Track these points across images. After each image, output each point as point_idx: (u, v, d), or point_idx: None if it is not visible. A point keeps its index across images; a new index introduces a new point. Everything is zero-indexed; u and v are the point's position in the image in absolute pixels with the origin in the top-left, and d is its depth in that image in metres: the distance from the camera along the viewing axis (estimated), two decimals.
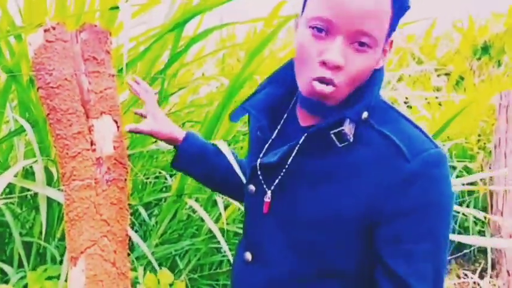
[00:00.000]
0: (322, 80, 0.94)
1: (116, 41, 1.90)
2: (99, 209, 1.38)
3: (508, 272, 3.43)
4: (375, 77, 1.01)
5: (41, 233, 1.47)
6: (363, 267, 1.01)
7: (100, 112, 1.43)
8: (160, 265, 1.67)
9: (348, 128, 0.96)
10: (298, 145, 1.03)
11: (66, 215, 1.39)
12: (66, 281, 1.35)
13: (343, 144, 0.98)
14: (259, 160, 1.13)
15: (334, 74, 0.93)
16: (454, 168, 4.24)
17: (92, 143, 1.41)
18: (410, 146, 0.96)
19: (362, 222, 0.98)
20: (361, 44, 0.92)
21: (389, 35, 0.98)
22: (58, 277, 1.44)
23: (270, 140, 1.14)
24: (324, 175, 1.01)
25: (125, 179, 1.44)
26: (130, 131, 1.50)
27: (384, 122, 1.00)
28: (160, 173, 2.03)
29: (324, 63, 0.93)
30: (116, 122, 1.46)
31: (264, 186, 1.12)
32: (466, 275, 3.65)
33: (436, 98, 5.04)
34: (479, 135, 4.39)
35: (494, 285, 3.47)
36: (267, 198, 1.10)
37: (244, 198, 1.23)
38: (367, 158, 0.98)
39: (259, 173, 1.12)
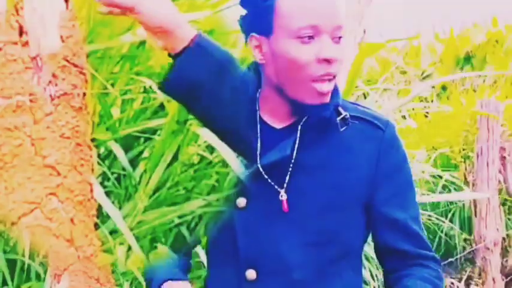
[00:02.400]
0: (323, 78, 1.04)
1: None
2: (40, 148, 0.81)
3: (493, 279, 3.57)
4: None
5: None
6: (363, 243, 1.19)
7: None
8: (154, 242, 1.07)
9: (347, 114, 1.10)
10: (298, 139, 1.09)
11: None
12: None
13: (343, 129, 1.10)
14: (259, 163, 1.11)
15: (333, 68, 1.04)
16: (440, 177, 4.47)
17: (21, 31, 0.82)
18: (377, 119, 1.14)
19: (365, 197, 1.12)
20: (339, 37, 1.06)
21: None
22: None
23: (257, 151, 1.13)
24: (325, 164, 1.11)
25: (84, 94, 0.84)
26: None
27: (347, 108, 1.13)
28: (146, 87, 1.10)
29: (324, 61, 1.03)
30: None
31: (276, 186, 1.11)
32: (452, 283, 3.81)
33: (424, 108, 5.38)
34: (466, 144, 4.56)
35: None
36: (283, 196, 1.10)
37: (234, 215, 1.13)
38: (352, 138, 1.12)
39: (265, 176, 1.11)
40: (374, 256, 1.46)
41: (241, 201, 1.12)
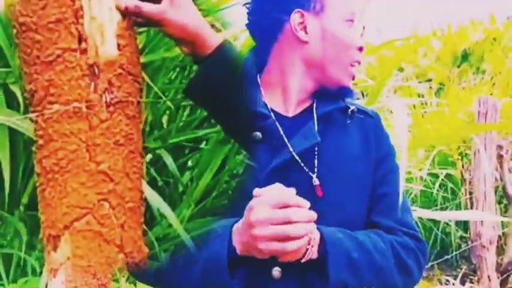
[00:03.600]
0: (354, 64, 1.12)
1: None
2: (94, 154, 0.81)
3: (489, 277, 3.54)
4: None
5: (21, 244, 0.99)
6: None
7: None
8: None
9: (355, 108, 1.15)
10: (316, 126, 1.11)
11: (38, 164, 0.81)
12: None
13: (349, 121, 1.15)
14: (291, 150, 1.08)
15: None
16: (436, 176, 4.46)
17: (80, 39, 0.82)
18: (365, 108, 1.20)
19: (370, 178, 1.15)
20: (351, 20, 1.11)
21: None
22: None
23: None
24: (341, 152, 1.12)
25: (138, 103, 0.85)
26: (128, 10, 0.85)
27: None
28: None
29: (359, 49, 1.12)
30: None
31: (308, 172, 1.09)
32: (447, 280, 3.79)
33: (422, 104, 5.35)
34: (464, 142, 4.52)
35: None
36: (315, 181, 1.08)
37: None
38: (356, 128, 1.16)
39: (301, 163, 1.08)
40: None
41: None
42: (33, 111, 0.82)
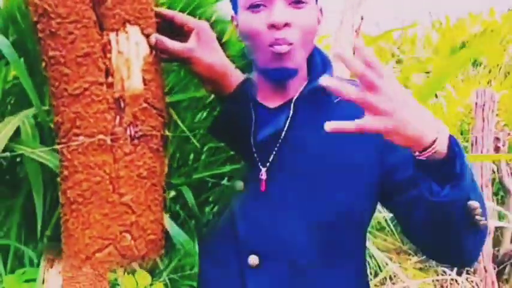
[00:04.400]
0: (278, 43, 0.99)
1: None
2: (118, 186, 0.83)
3: (485, 268, 3.52)
4: (316, 47, 1.11)
5: (19, 235, 1.00)
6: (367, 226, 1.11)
7: (122, 21, 0.85)
8: None
9: None
10: (290, 117, 1.04)
11: (63, 195, 0.83)
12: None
13: (336, 100, 1.03)
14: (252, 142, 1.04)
15: (285, 33, 0.98)
16: None
17: (107, 73, 0.85)
18: None
19: (373, 167, 1.03)
20: (297, 1, 0.99)
21: None
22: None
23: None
24: (322, 141, 1.02)
25: (162, 137, 0.87)
26: (159, 46, 0.87)
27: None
28: None
29: (272, 26, 0.98)
30: (148, 37, 0.87)
31: (260, 165, 1.03)
32: (444, 271, 3.78)
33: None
34: (461, 134, 4.50)
35: (472, 281, 3.59)
36: (262, 175, 1.02)
37: (234, 199, 1.06)
38: (349, 110, 0.96)
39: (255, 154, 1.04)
40: None
41: (239, 184, 1.06)
42: (59, 143, 0.84)
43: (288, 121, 1.03)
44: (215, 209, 1.01)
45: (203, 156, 1.04)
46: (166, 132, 0.88)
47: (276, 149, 1.03)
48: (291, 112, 1.03)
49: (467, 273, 3.71)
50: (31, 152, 0.93)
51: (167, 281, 1.49)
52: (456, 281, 3.64)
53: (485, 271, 3.52)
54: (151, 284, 1.55)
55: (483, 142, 3.67)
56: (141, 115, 0.85)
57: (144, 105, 0.85)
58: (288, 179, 1.03)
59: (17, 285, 1.02)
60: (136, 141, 0.84)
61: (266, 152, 1.03)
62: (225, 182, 1.03)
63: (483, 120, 3.67)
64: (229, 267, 1.04)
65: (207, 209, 1.01)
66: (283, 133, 1.03)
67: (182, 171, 1.00)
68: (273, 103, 1.07)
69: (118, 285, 1.08)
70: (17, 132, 0.99)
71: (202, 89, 1.05)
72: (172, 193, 1.01)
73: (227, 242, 1.04)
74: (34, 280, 1.01)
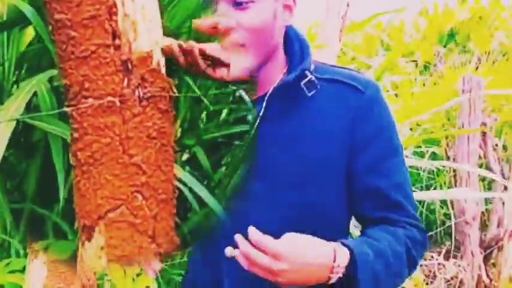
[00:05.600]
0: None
1: None
2: (128, 147, 0.83)
3: (472, 253, 3.59)
4: (295, 34, 1.12)
5: (4, 227, 1.01)
6: (349, 216, 1.14)
7: None
8: None
9: (312, 77, 1.07)
10: (263, 109, 1.05)
11: (74, 157, 0.83)
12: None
13: (311, 93, 1.06)
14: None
15: (232, 36, 0.99)
16: (422, 155, 4.47)
17: (114, 35, 0.85)
18: (356, 80, 1.09)
19: (344, 167, 1.07)
20: (238, 3, 1.00)
21: None
22: (22, 271, 1.01)
23: None
24: (297, 134, 1.06)
25: (170, 97, 0.87)
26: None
27: (325, 72, 1.10)
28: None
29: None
30: None
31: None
32: (432, 256, 3.84)
33: (410, 82, 5.36)
34: (448, 120, 4.58)
35: (459, 265, 3.63)
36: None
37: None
38: (327, 103, 1.07)
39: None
40: None
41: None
42: (68, 106, 0.84)
43: (260, 115, 1.05)
44: (229, 169, 1.02)
45: (214, 117, 1.05)
46: (176, 93, 0.88)
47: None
48: (263, 106, 1.06)
49: (455, 257, 3.78)
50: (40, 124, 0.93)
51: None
52: (444, 265, 3.71)
53: (473, 255, 3.56)
54: (138, 274, 1.56)
55: (470, 127, 3.70)
56: (149, 77, 0.85)
57: (152, 66, 0.86)
58: (260, 172, 1.05)
59: (2, 275, 1.02)
60: (145, 103, 0.85)
61: None
62: (235, 142, 1.04)
63: (470, 106, 3.70)
64: (209, 257, 1.11)
65: (219, 170, 1.02)
66: (256, 127, 1.05)
67: (195, 132, 1.01)
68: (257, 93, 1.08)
69: (106, 274, 1.09)
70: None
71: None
72: (186, 156, 1.02)
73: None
74: (19, 271, 1.03)
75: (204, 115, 1.07)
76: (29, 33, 1.11)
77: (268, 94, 1.07)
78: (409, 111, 4.26)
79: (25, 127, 1.00)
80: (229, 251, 0.96)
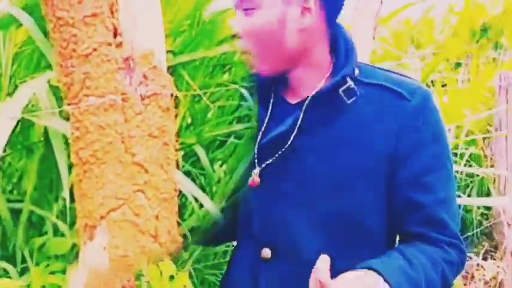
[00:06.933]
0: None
1: None
2: (130, 145, 0.82)
3: (511, 253, 3.49)
4: (343, 36, 1.07)
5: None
6: (388, 227, 1.07)
7: None
8: None
9: (352, 83, 1.01)
10: (300, 119, 1.03)
11: (75, 155, 0.83)
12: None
13: (350, 100, 1.01)
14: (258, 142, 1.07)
15: (243, 41, 1.02)
16: (461, 156, 4.24)
17: (116, 33, 0.84)
18: (403, 87, 1.03)
19: (384, 177, 1.03)
20: (245, 9, 1.00)
21: None
22: (63, 271, 0.98)
23: (263, 126, 1.09)
24: (336, 142, 1.03)
25: (171, 95, 0.87)
26: None
27: (371, 76, 1.05)
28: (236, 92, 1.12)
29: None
30: None
31: (256, 163, 1.06)
32: (469, 257, 3.71)
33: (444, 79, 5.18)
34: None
35: (498, 266, 3.56)
36: (255, 173, 1.05)
37: (247, 193, 1.09)
38: (369, 111, 1.03)
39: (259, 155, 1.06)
40: None
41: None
42: (69, 104, 0.84)
43: (299, 122, 1.03)
44: (228, 167, 1.02)
45: (213, 116, 1.05)
46: (177, 91, 0.88)
47: (283, 149, 1.03)
48: (301, 116, 1.02)
49: (493, 258, 3.71)
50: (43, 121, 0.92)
51: (191, 270, 1.50)
52: (482, 266, 3.61)
53: (511, 256, 3.47)
54: (172, 276, 1.56)
55: (507, 125, 3.60)
56: (151, 74, 0.85)
57: (154, 64, 0.85)
58: (299, 180, 1.04)
59: (43, 277, 1.00)
60: (146, 101, 0.84)
61: (267, 153, 1.05)
62: (233, 139, 1.03)
63: (507, 103, 3.59)
64: (247, 256, 1.09)
65: (217, 167, 1.01)
66: (293, 134, 1.03)
67: (196, 130, 1.00)
68: (294, 98, 1.07)
69: (142, 275, 1.10)
70: None
71: (214, 48, 1.05)
72: (182, 152, 1.01)
73: (248, 233, 1.08)
74: (59, 272, 1.01)
75: (205, 113, 1.06)
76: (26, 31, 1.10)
77: (306, 103, 1.03)
78: (447, 110, 3.99)
79: (23, 127, 0.99)
80: (265, 252, 1.03)
